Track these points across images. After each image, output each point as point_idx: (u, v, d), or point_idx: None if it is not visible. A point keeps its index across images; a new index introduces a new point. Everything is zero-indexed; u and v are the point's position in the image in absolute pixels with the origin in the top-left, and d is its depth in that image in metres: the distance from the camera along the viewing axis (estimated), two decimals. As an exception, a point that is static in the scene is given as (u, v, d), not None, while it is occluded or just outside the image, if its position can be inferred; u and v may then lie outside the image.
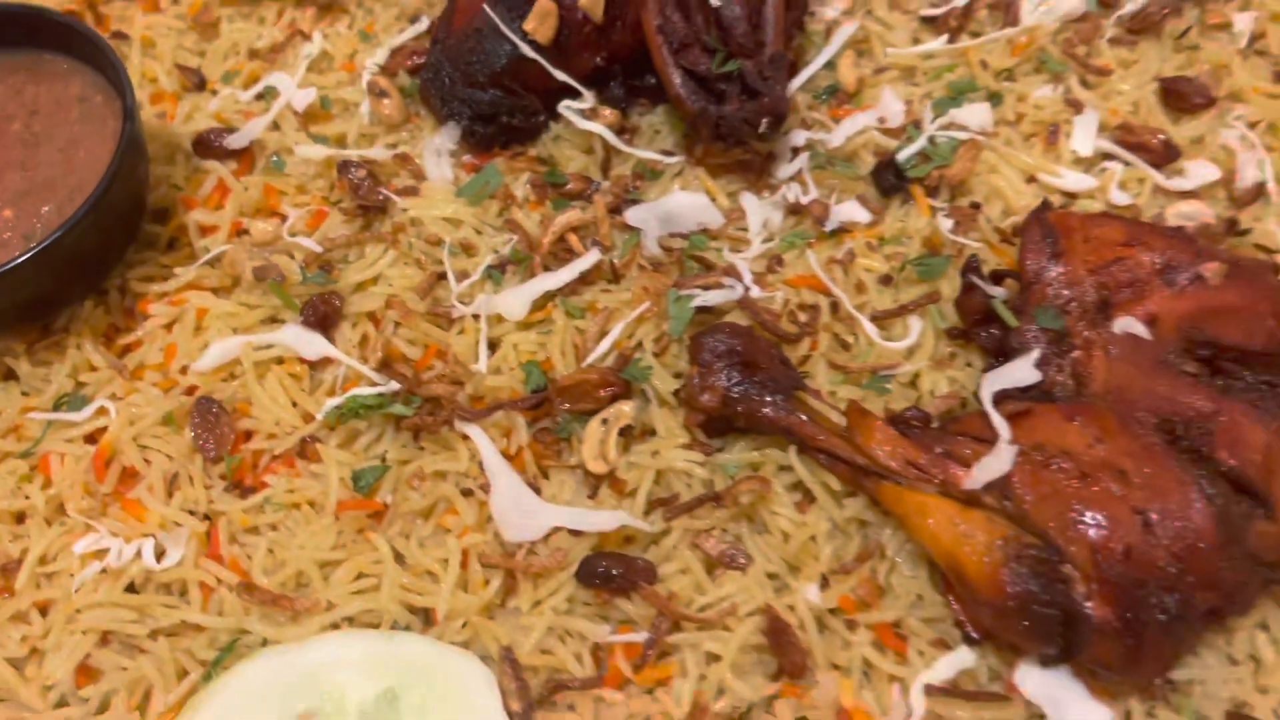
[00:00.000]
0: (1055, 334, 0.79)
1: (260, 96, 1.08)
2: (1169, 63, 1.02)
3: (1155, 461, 0.71)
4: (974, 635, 0.75)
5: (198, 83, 1.10)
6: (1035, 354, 0.78)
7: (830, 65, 1.04)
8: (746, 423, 0.83)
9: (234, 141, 1.04)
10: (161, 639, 0.82)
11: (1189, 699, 0.74)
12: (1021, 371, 0.78)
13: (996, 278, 0.86)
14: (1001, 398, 0.78)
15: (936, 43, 1.05)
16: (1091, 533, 0.69)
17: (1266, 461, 0.71)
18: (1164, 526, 0.69)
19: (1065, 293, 0.80)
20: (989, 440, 0.74)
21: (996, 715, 0.74)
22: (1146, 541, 0.69)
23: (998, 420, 0.74)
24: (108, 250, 0.96)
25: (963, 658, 0.75)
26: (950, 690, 0.74)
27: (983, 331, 0.84)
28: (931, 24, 1.07)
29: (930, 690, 0.74)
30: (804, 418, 0.80)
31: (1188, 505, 0.69)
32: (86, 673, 0.82)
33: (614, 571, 0.79)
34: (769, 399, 0.81)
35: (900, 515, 0.77)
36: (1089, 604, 0.68)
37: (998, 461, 0.73)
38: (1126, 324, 0.77)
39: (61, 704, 0.81)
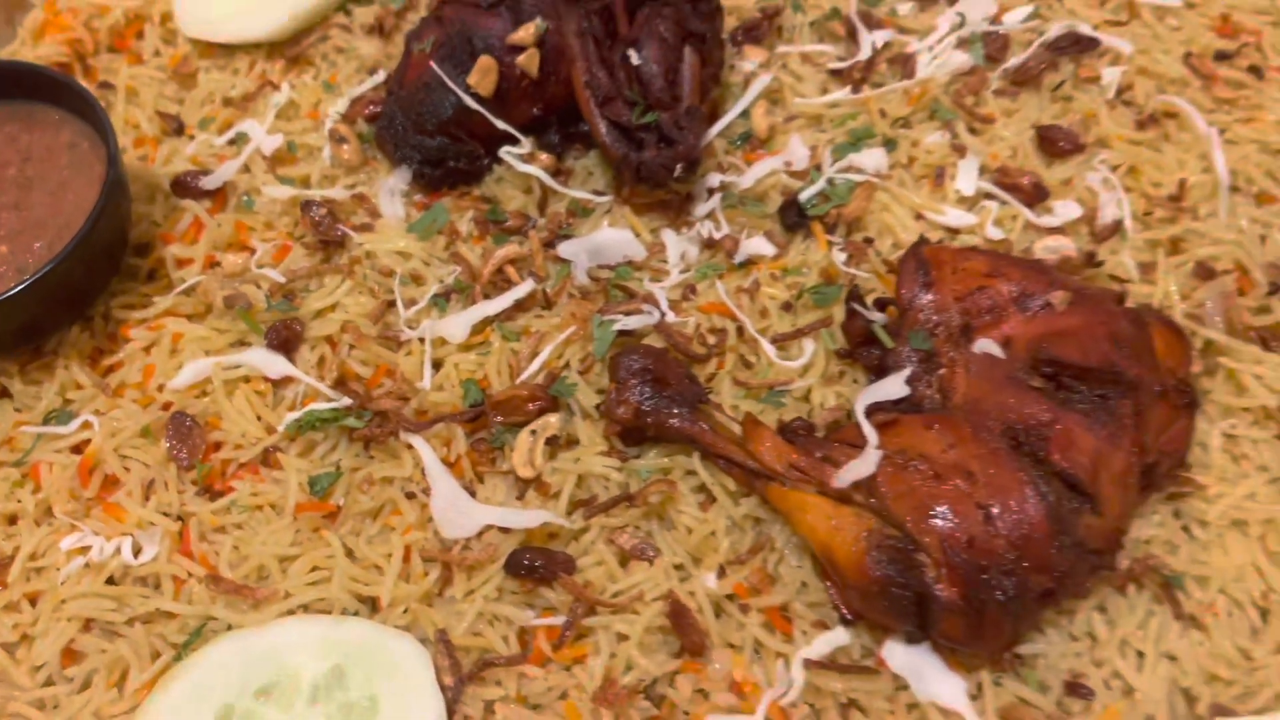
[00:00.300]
0: (925, 354, 0.88)
1: (233, 141, 1.16)
2: (1046, 112, 1.11)
3: (999, 464, 0.81)
4: (848, 616, 0.84)
5: (176, 128, 1.18)
6: (907, 371, 0.88)
7: (745, 114, 1.13)
8: (657, 433, 0.92)
9: (209, 182, 1.12)
10: (138, 625, 0.89)
11: (1033, 670, 0.83)
12: (893, 386, 0.88)
13: (881, 305, 0.95)
14: (875, 409, 0.87)
15: (841, 93, 1.13)
16: (941, 524, 0.79)
17: (1094, 465, 0.81)
18: (1003, 519, 0.78)
19: (934, 318, 0.89)
20: (862, 446, 0.85)
21: (866, 686, 0.82)
22: (987, 532, 0.78)
23: (867, 428, 0.85)
24: (93, 281, 1.03)
25: (838, 636, 0.84)
26: (827, 664, 0.83)
27: (865, 352, 0.94)
28: (838, 76, 1.15)
29: (809, 664, 0.83)
30: (706, 428, 0.90)
31: (1024, 501, 0.79)
32: (71, 655, 0.89)
33: (538, 564, 0.87)
34: (676, 411, 0.91)
35: (785, 512, 0.87)
36: (938, 586, 0.78)
37: (864, 464, 0.82)
38: (985, 345, 0.87)
39: (49, 683, 0.88)
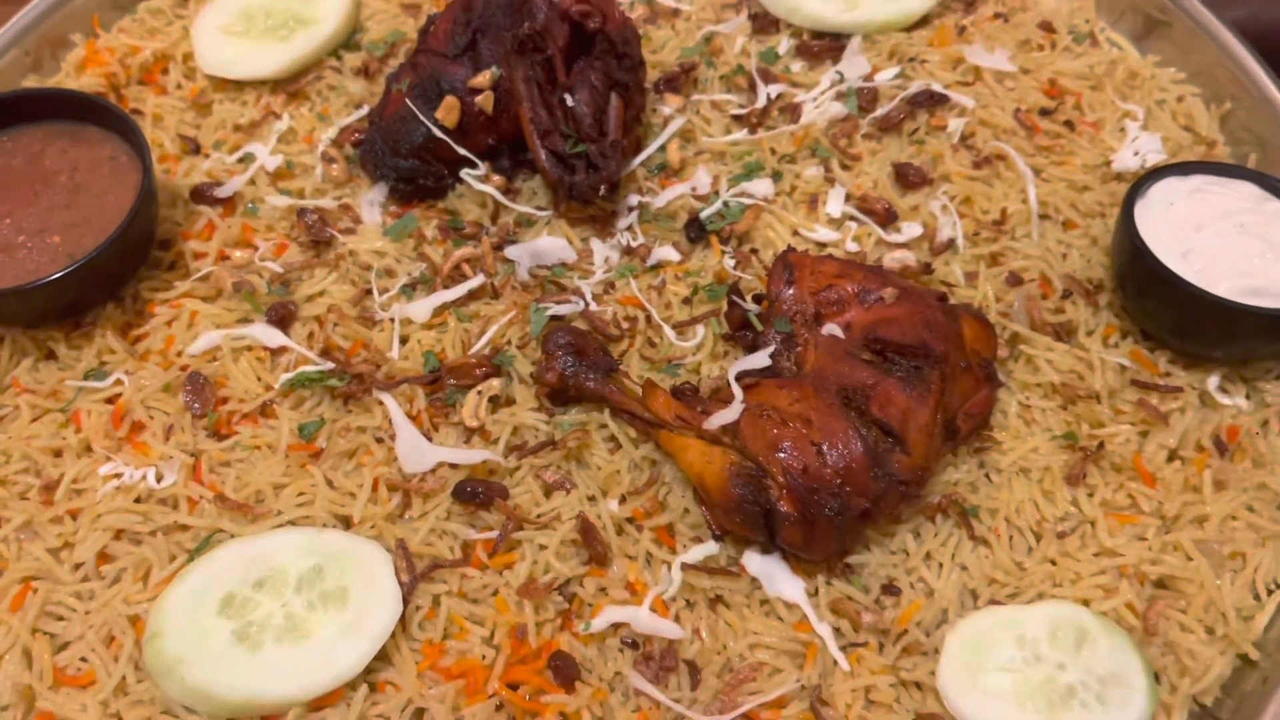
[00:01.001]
0: (786, 335, 1.11)
1: (241, 160, 1.35)
2: (903, 153, 1.33)
3: (831, 414, 1.03)
4: (717, 533, 1.05)
5: (194, 148, 1.38)
6: (771, 348, 1.11)
7: (663, 148, 1.34)
8: (577, 394, 1.13)
9: (221, 192, 1.32)
10: (159, 534, 1.07)
11: (858, 576, 1.04)
12: (758, 359, 1.10)
13: (757, 299, 1.18)
14: (744, 376, 1.10)
15: (740, 134, 1.36)
16: (784, 457, 1.00)
17: (904, 416, 1.03)
18: (831, 454, 1.00)
19: (795, 308, 1.12)
20: (731, 402, 1.09)
21: (729, 585, 1.03)
22: (819, 463, 1.00)
23: (735, 387, 1.07)
24: (126, 268, 1.23)
25: (710, 548, 1.05)
26: (699, 567, 1.03)
27: (742, 334, 1.16)
28: (739, 120, 1.38)
29: (686, 568, 1.03)
30: (615, 389, 1.11)
31: (848, 441, 1.01)
32: (104, 558, 1.07)
33: (479, 491, 1.07)
34: (592, 377, 1.12)
35: (671, 452, 1.08)
36: (780, 503, 1.00)
37: (729, 413, 1.04)
38: (831, 329, 1.09)
39: (86, 579, 1.06)
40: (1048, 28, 1.49)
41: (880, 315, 1.10)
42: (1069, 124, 1.37)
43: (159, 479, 1.12)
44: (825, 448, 1.02)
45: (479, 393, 1.15)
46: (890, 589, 1.05)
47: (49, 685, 1.02)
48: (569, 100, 1.27)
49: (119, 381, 1.19)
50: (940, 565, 1.07)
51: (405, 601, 1.03)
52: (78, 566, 1.08)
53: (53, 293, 1.16)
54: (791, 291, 1.14)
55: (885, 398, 1.05)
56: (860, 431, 1.03)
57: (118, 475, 1.12)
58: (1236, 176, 1.20)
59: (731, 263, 1.25)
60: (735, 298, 1.17)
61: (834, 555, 1.06)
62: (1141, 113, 1.38)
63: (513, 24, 1.28)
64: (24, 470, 1.14)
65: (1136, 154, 1.33)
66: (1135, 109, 1.39)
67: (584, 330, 1.18)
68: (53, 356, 1.22)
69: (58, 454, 1.15)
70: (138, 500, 1.11)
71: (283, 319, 1.22)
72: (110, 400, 1.18)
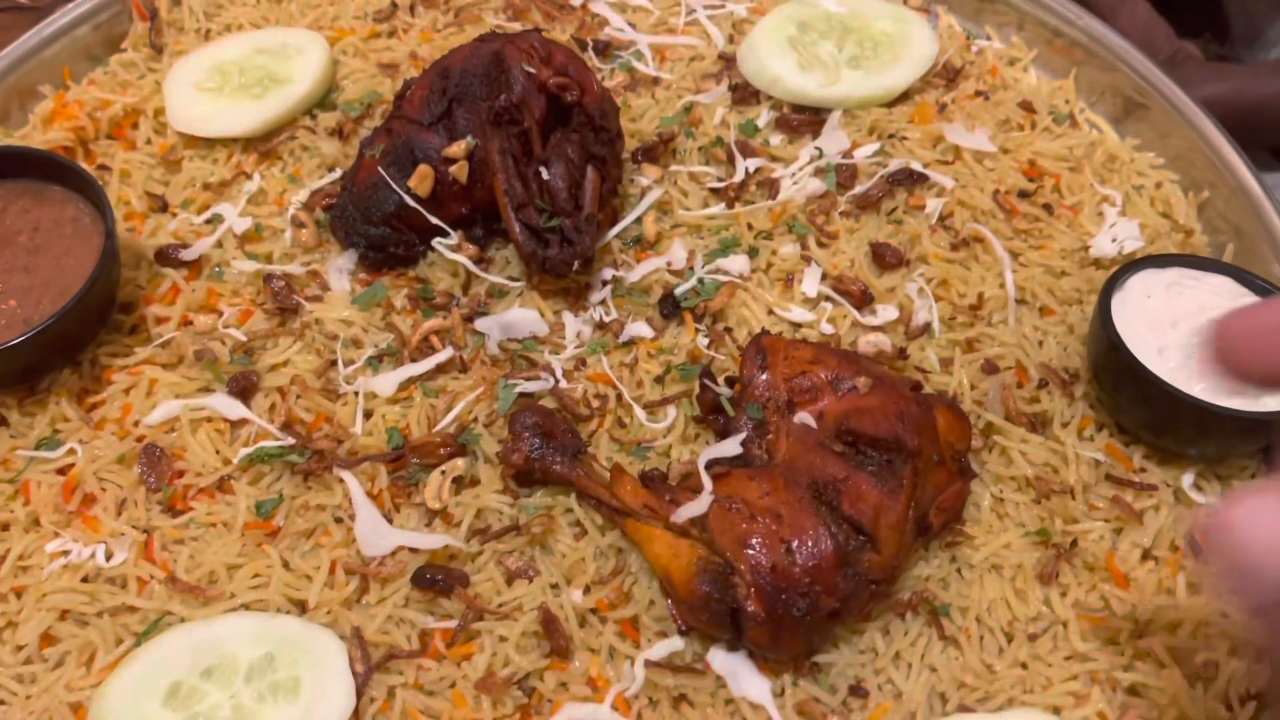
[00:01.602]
0: (758, 422, 1.10)
1: (209, 221, 1.33)
2: (881, 231, 1.32)
3: (801, 510, 1.01)
4: (682, 627, 1.03)
5: (162, 206, 1.35)
6: (743, 435, 1.11)
7: (638, 221, 1.33)
8: (543, 476, 1.10)
9: (187, 254, 1.29)
10: (106, 616, 1.04)
11: (825, 675, 1.02)
12: (730, 446, 1.08)
13: (730, 381, 1.16)
14: (715, 464, 1.10)
15: (717, 208, 1.35)
16: (752, 554, 0.98)
17: (876, 513, 1.01)
18: (800, 553, 0.98)
19: (767, 394, 1.10)
20: (700, 491, 1.07)
21: (693, 683, 1.01)
22: (788, 562, 0.98)
23: (704, 477, 1.05)
24: (85, 332, 1.20)
25: (674, 643, 1.02)
26: (663, 664, 1.01)
27: (714, 418, 1.15)
28: (716, 193, 1.36)
29: (649, 664, 1.01)
30: (582, 473, 1.10)
31: (818, 540, 0.99)
32: (48, 639, 1.04)
33: (439, 578, 1.05)
34: (559, 460, 1.10)
35: (638, 542, 1.06)
36: (748, 602, 0.98)
37: (698, 505, 1.02)
38: (803, 417, 1.07)
39: (28, 661, 1.03)
40: (1028, 107, 1.49)
41: (853, 405, 1.09)
42: (1047, 207, 1.37)
43: (108, 557, 1.09)
44: (795, 545, 1.00)
45: (443, 472, 1.12)
46: (858, 690, 1.03)
47: (-17, 777, 0.99)
48: (545, 173, 1.26)
49: (72, 451, 1.16)
50: (910, 666, 1.05)
51: (359, 694, 1.00)
52: (20, 648, 1.05)
53: (6, 359, 1.13)
54: (765, 377, 1.12)
55: (856, 493, 1.03)
56: (831, 529, 1.01)
57: (65, 552, 1.09)
58: (1212, 270, 1.20)
59: (705, 341, 1.24)
60: (708, 381, 1.16)
61: (801, 655, 1.03)
62: (1119, 198, 1.38)
63: (489, 94, 1.27)
64: (-32, 544, 1.10)
65: (1114, 240, 1.32)
66: (1114, 194, 1.39)
67: (552, 410, 1.16)
68: (4, 423, 1.19)
69: (4, 528, 1.12)
70: (85, 579, 1.08)
71: (244, 390, 1.19)
72: (62, 471, 1.15)
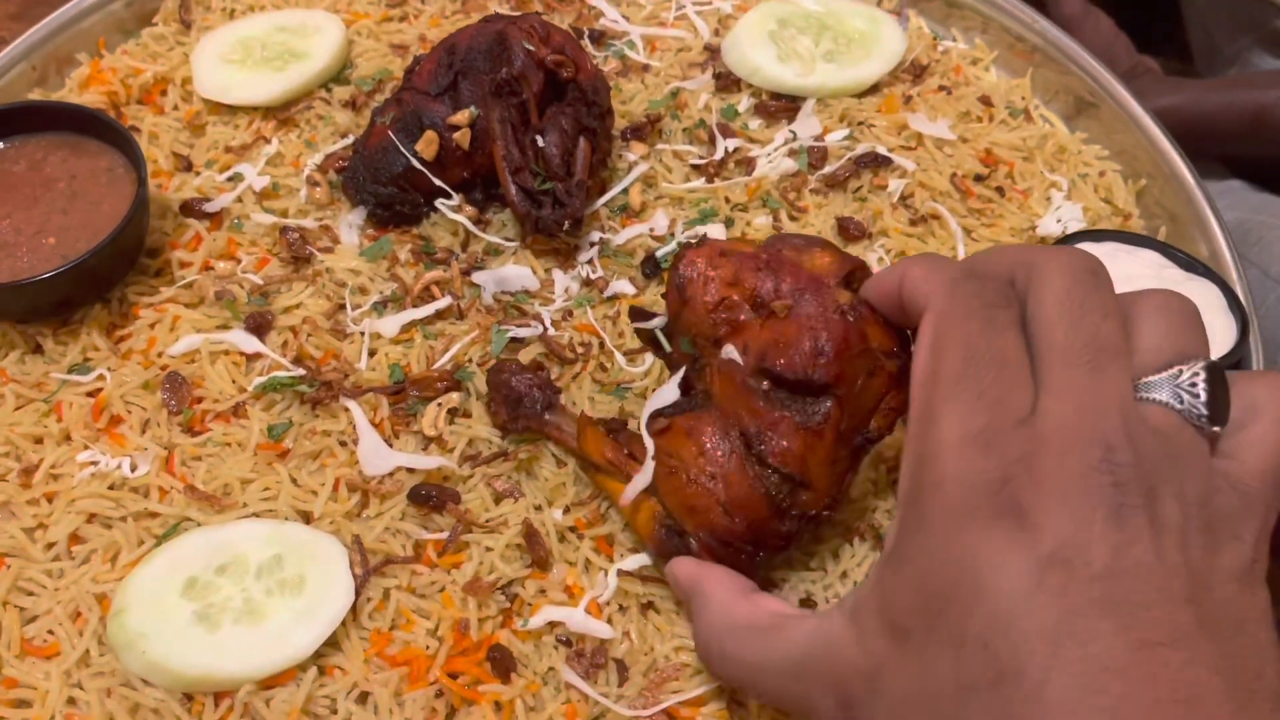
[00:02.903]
0: (693, 356, 1.09)
1: (230, 179, 1.44)
2: (847, 207, 1.44)
3: (734, 468, 1.04)
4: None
5: (186, 166, 1.46)
6: (681, 372, 1.11)
7: (625, 191, 1.44)
8: (522, 428, 1.19)
9: (209, 208, 1.40)
10: (129, 520, 1.14)
11: (779, 590, 1.11)
12: (668, 394, 1.12)
13: None
14: (657, 415, 1.10)
15: (698, 182, 1.46)
16: (696, 518, 1.04)
17: (802, 456, 1.02)
18: (738, 514, 1.03)
19: (693, 326, 1.07)
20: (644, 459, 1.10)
21: (660, 592, 1.11)
22: (727, 523, 1.03)
23: (647, 440, 1.09)
24: (115, 271, 1.30)
25: (644, 558, 1.12)
26: (634, 574, 1.11)
27: (660, 354, 1.23)
28: (697, 169, 1.48)
29: (621, 574, 1.11)
30: (554, 428, 1.17)
31: (751, 499, 1.02)
32: (75, 539, 1.14)
33: (433, 495, 1.14)
34: (533, 416, 1.18)
35: (608, 493, 1.14)
36: (702, 554, 1.05)
37: (641, 479, 1.09)
38: (729, 351, 1.05)
39: (57, 558, 1.12)
40: (987, 102, 1.62)
41: (771, 337, 1.04)
42: (1000, 190, 1.49)
43: (133, 469, 1.19)
44: (730, 507, 1.04)
45: (439, 404, 1.23)
46: (807, 602, 1.14)
47: (15, 654, 1.09)
48: (540, 141, 1.37)
49: (101, 377, 1.26)
50: (855, 583, 1.15)
51: (357, 593, 1.10)
52: (50, 546, 1.15)
53: (45, 290, 1.23)
54: (687, 309, 1.09)
55: (778, 442, 1.03)
56: (764, 484, 1.03)
57: (94, 463, 1.19)
58: (1143, 245, 1.32)
59: (682, 298, 1.35)
60: (636, 322, 1.21)
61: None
62: (1066, 184, 1.51)
63: (492, 68, 1.39)
64: (5, 454, 1.21)
65: (1059, 221, 1.44)
66: (1061, 180, 1.51)
67: (523, 367, 1.23)
68: (39, 350, 1.30)
69: (39, 441, 1.22)
70: (111, 487, 1.18)
71: (260, 327, 1.30)
72: (91, 394, 1.25)
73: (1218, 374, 0.74)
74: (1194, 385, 0.73)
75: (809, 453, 1.03)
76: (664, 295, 1.15)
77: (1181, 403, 0.72)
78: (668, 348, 1.17)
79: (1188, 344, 0.76)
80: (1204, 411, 0.72)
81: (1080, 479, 0.68)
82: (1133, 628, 0.64)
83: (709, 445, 1.06)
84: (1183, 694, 0.62)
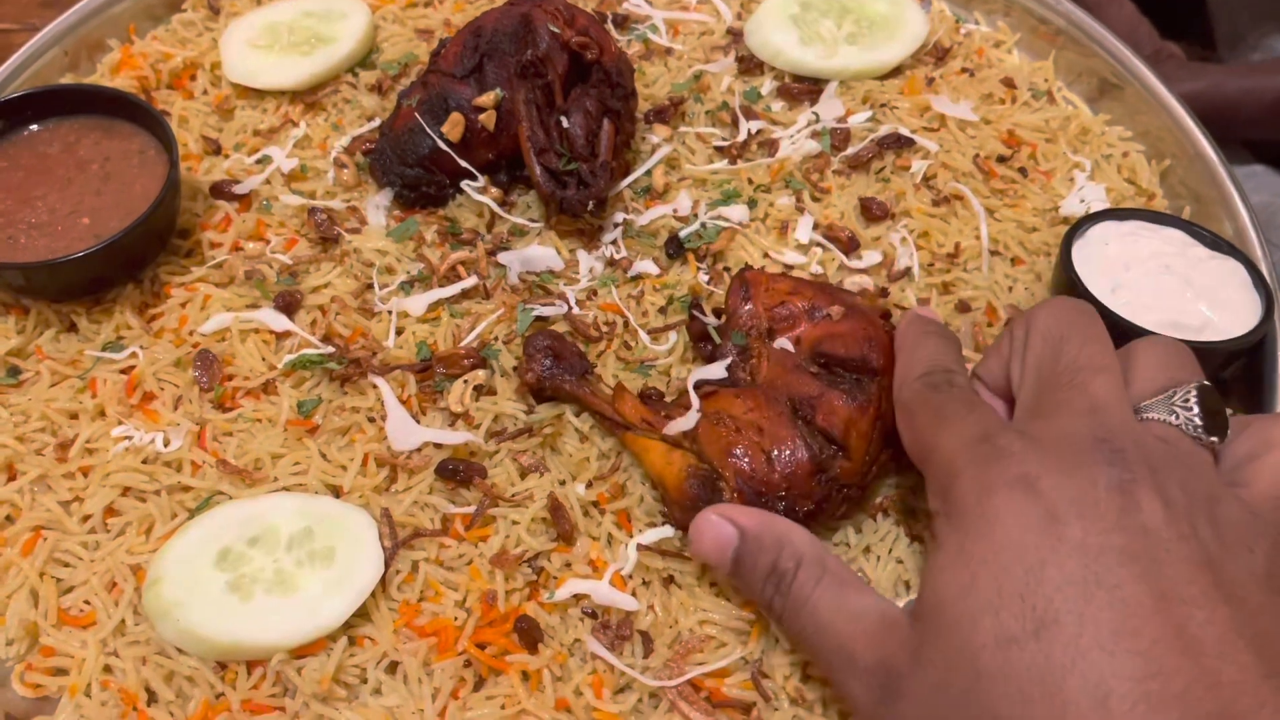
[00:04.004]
0: (742, 348, 1.19)
1: (259, 161, 1.46)
2: (870, 188, 1.45)
3: (781, 423, 1.10)
4: (673, 526, 1.14)
5: (216, 149, 1.49)
6: (728, 360, 1.19)
7: (649, 173, 1.45)
8: (553, 393, 1.21)
9: (239, 189, 1.42)
10: (163, 493, 1.16)
11: None
12: (715, 370, 1.18)
13: (718, 313, 1.27)
14: (703, 384, 1.17)
15: (721, 164, 1.47)
16: (735, 462, 1.08)
17: (846, 425, 1.10)
18: (779, 461, 1.08)
19: (750, 323, 1.20)
20: (689, 409, 1.15)
21: (680, 566, 1.11)
22: (767, 469, 1.07)
23: (693, 396, 1.14)
24: (147, 251, 1.33)
25: (664, 532, 1.13)
26: (652, 548, 1.12)
27: (703, 346, 1.25)
28: (720, 151, 1.49)
29: (641, 548, 1.11)
30: (588, 391, 1.20)
31: (795, 449, 1.08)
32: (110, 512, 1.16)
33: (460, 470, 1.16)
34: (567, 379, 1.20)
35: (635, 452, 1.16)
36: (733, 504, 1.07)
37: (686, 421, 1.12)
38: (782, 342, 1.17)
39: (93, 531, 1.15)
40: (1009, 84, 1.62)
41: (827, 331, 1.19)
42: (1023, 171, 1.50)
43: (166, 443, 1.21)
44: (774, 454, 1.10)
45: (465, 381, 1.25)
46: (831, 577, 1.14)
47: (53, 623, 1.11)
48: (565, 122, 1.39)
49: (134, 355, 1.29)
50: (878, 558, 1.16)
51: (386, 565, 1.12)
52: (86, 518, 1.17)
53: (79, 268, 1.26)
54: (748, 307, 1.22)
55: (829, 408, 1.12)
56: (806, 440, 1.11)
57: (128, 438, 1.22)
58: (1167, 224, 1.32)
59: (705, 278, 1.36)
60: (696, 312, 1.27)
61: (781, 544, 1.14)
62: (1089, 165, 1.51)
63: (517, 51, 1.40)
64: (41, 429, 1.23)
65: (1082, 201, 1.45)
66: (1084, 161, 1.51)
67: (562, 335, 1.27)
68: (74, 329, 1.32)
69: (74, 416, 1.25)
70: (145, 461, 1.20)
71: (289, 306, 1.32)
72: (125, 371, 1.28)
73: (1210, 393, 0.80)
74: (1187, 401, 0.79)
75: (852, 424, 1.11)
76: (727, 295, 1.25)
77: (1177, 418, 0.78)
78: (718, 340, 1.24)
79: (1179, 372, 0.82)
80: (1199, 423, 0.78)
81: (1077, 454, 0.75)
82: (1153, 577, 0.68)
83: (757, 405, 1.13)
84: (1212, 649, 0.65)
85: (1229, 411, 0.79)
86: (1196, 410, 0.77)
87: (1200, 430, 0.76)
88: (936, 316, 1.05)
